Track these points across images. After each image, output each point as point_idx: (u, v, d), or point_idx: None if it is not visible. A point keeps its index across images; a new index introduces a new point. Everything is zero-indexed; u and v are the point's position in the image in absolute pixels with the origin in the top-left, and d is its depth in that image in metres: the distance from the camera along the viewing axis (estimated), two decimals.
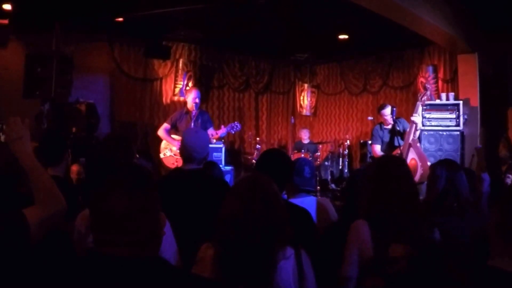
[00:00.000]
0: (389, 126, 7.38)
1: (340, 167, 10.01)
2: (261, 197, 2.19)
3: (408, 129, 7.00)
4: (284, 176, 3.07)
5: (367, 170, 2.81)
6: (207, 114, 7.63)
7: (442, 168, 3.41)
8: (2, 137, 2.28)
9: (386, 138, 7.47)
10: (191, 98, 7.28)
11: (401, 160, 3.13)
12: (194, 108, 7.17)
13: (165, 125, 7.41)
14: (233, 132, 7.74)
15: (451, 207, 3.22)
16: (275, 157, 3.22)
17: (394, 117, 7.26)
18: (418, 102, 7.22)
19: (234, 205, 2.20)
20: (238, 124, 7.53)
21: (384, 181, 2.55)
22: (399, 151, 6.80)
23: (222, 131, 7.39)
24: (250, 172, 2.86)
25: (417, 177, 6.22)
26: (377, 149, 7.48)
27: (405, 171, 2.71)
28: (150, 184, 1.65)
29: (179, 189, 3.20)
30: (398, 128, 7.16)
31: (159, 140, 7.50)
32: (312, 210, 3.33)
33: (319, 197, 4.00)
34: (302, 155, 9.30)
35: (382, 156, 6.62)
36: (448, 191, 3.31)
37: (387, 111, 7.37)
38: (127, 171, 1.67)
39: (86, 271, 1.52)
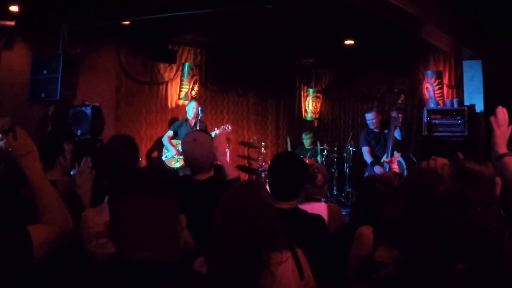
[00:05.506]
0: (377, 130, 7.76)
1: (344, 172, 10.00)
2: (241, 207, 2.17)
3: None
4: (298, 180, 3.00)
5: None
6: (203, 123, 8.61)
7: None
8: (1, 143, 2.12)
9: (373, 142, 7.80)
10: (190, 109, 8.59)
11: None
12: (193, 117, 8.47)
13: (168, 132, 8.64)
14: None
15: None
16: (289, 161, 3.07)
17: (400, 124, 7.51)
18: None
19: (218, 216, 2.20)
20: (229, 126, 8.65)
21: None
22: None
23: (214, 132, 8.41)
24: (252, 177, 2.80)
25: None
26: (364, 151, 8.03)
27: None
28: (171, 186, 1.63)
29: (196, 201, 2.98)
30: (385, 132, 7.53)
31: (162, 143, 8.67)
32: (323, 215, 3.29)
33: (329, 203, 3.99)
34: (307, 160, 9.29)
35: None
36: None
37: (368, 115, 7.83)
38: (148, 173, 1.64)
39: (109, 278, 1.50)
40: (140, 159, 3.24)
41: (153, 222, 1.51)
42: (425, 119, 8.50)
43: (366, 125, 10.57)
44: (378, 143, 7.80)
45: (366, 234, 2.39)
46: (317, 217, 3.00)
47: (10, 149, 2.16)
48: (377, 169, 7.37)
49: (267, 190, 2.41)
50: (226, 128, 8.41)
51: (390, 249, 2.04)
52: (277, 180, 2.94)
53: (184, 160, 3.51)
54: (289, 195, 2.91)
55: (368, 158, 7.92)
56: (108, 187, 2.80)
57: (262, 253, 2.11)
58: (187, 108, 8.80)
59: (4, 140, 2.04)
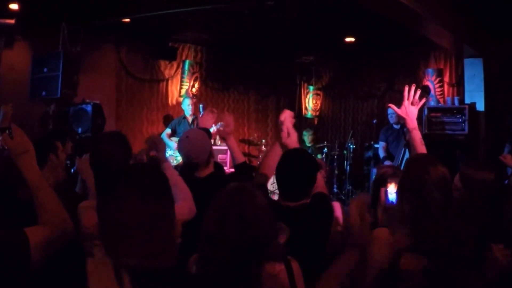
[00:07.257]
0: (397, 127, 7.73)
1: (344, 170, 9.99)
2: (237, 214, 2.01)
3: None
4: (310, 181, 2.81)
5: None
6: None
7: None
8: None
9: (391, 138, 7.79)
10: (186, 106, 8.52)
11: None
12: (191, 114, 8.44)
13: (166, 130, 8.54)
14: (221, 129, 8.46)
15: None
16: (301, 160, 2.87)
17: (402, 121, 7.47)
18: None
19: (210, 221, 2.05)
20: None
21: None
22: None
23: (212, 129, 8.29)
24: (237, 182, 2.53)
25: None
26: (380, 146, 8.12)
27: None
28: (164, 188, 1.54)
29: (197, 198, 2.85)
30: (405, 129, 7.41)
31: None
32: None
33: (333, 202, 3.91)
34: None
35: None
36: None
37: (390, 109, 7.79)
38: (138, 175, 1.54)
39: None
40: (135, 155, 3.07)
41: (143, 228, 1.43)
42: (425, 117, 8.48)
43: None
44: (395, 140, 7.85)
45: (385, 238, 2.17)
46: (320, 194, 2.85)
47: (6, 148, 2.09)
48: (387, 163, 7.47)
49: (261, 191, 2.25)
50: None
51: (417, 256, 1.89)
52: (286, 181, 2.78)
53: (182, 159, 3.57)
54: (298, 197, 2.74)
55: (381, 153, 8.13)
56: (98, 192, 2.70)
57: (256, 261, 1.99)
58: (182, 106, 8.72)
59: (0, 138, 1.94)
